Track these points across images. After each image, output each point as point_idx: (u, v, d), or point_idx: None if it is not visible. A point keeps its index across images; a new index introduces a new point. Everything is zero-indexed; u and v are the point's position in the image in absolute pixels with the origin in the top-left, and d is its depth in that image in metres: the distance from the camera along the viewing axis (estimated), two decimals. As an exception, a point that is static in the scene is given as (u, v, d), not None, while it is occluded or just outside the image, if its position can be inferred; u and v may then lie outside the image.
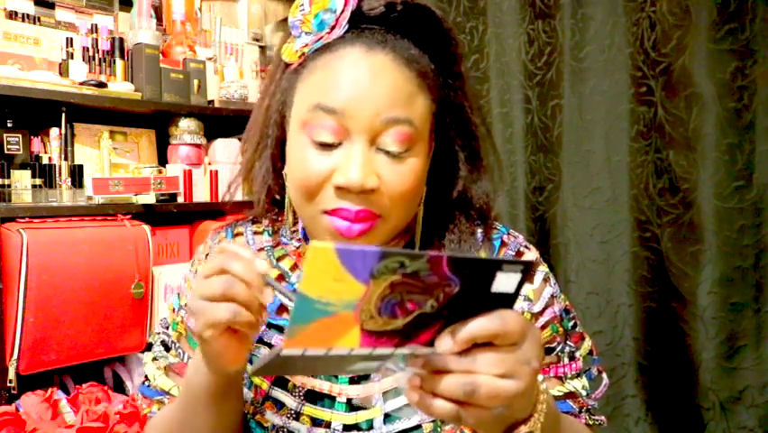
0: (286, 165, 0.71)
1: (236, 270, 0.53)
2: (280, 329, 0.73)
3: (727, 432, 1.37)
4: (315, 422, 0.69)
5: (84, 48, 1.77)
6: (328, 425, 0.69)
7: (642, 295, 1.48)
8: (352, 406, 0.69)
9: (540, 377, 0.55)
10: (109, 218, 1.65)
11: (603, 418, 0.77)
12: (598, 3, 1.49)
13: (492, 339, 0.47)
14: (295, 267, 0.76)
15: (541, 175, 1.63)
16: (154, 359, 0.79)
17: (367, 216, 0.64)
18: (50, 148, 1.70)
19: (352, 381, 0.70)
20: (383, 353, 0.46)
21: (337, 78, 0.64)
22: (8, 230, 1.46)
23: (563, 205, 1.59)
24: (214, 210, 1.93)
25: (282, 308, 0.74)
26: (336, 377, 0.70)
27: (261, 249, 0.78)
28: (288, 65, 0.70)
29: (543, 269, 0.77)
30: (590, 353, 0.80)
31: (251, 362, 0.69)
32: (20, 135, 1.62)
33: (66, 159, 1.70)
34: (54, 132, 1.70)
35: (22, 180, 1.59)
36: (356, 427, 0.68)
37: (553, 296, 0.76)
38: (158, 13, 2.01)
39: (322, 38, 0.66)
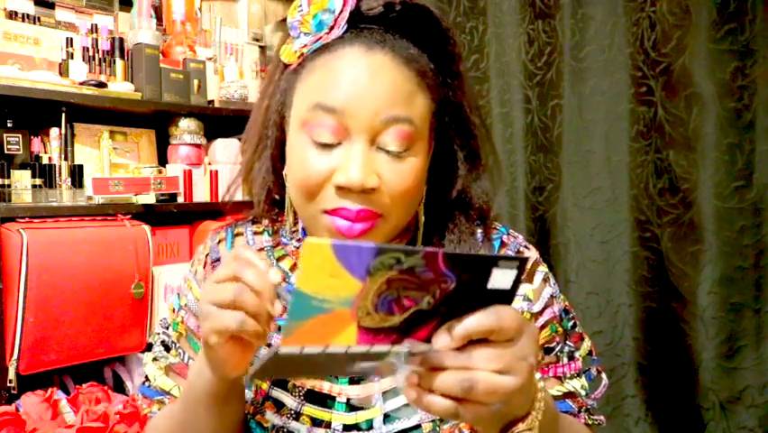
0: (286, 166, 0.71)
1: (248, 279, 0.53)
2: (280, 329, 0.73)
3: (727, 432, 1.37)
4: (315, 422, 0.69)
5: (84, 48, 1.77)
6: (328, 425, 0.69)
7: (642, 295, 1.48)
8: (351, 406, 0.69)
9: (538, 375, 0.55)
10: (109, 218, 1.65)
11: (602, 417, 0.77)
12: (598, 3, 1.49)
13: (489, 335, 0.47)
14: (294, 267, 0.76)
15: (541, 175, 1.63)
16: (154, 359, 0.79)
17: (367, 215, 0.64)
18: (50, 148, 1.70)
19: (352, 381, 0.70)
20: (380, 350, 0.46)
21: (337, 78, 0.64)
22: (8, 230, 1.46)
23: (563, 205, 1.59)
24: (214, 210, 1.93)
25: (283, 309, 0.74)
26: (336, 377, 0.70)
27: (261, 249, 0.78)
28: (286, 66, 0.70)
29: (542, 269, 0.77)
30: (590, 353, 0.80)
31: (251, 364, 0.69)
32: (20, 135, 1.62)
33: (66, 159, 1.70)
34: (54, 132, 1.70)
35: (22, 180, 1.59)
36: (356, 427, 0.68)
37: (552, 296, 0.76)
38: (158, 13, 2.01)
39: (321, 38, 0.66)
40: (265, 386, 0.71)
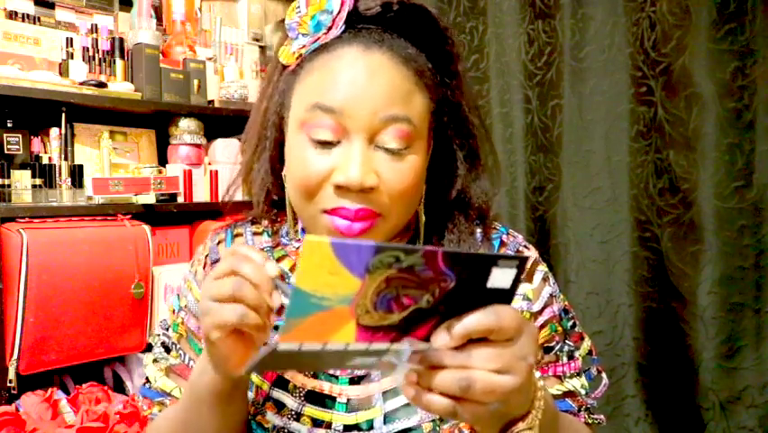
0: (285, 166, 0.71)
1: (246, 272, 0.53)
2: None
3: (727, 432, 1.37)
4: (316, 423, 0.69)
5: (84, 48, 1.77)
6: (329, 425, 0.69)
7: (642, 295, 1.48)
8: (352, 406, 0.69)
9: (538, 374, 0.55)
10: (109, 218, 1.65)
11: (602, 416, 0.77)
12: (598, 3, 1.49)
13: (488, 334, 0.47)
14: (294, 268, 0.76)
15: (541, 175, 1.63)
16: (155, 361, 0.79)
17: (367, 214, 0.64)
18: (50, 148, 1.70)
19: (353, 381, 0.70)
20: (379, 348, 0.46)
21: (335, 78, 0.64)
22: (8, 230, 1.46)
23: (563, 205, 1.59)
24: (214, 210, 1.93)
25: (282, 309, 0.74)
26: (336, 378, 0.70)
27: (261, 250, 0.78)
28: (285, 67, 0.70)
29: (542, 268, 0.77)
30: (590, 353, 0.80)
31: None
32: (20, 135, 1.62)
33: (66, 159, 1.70)
34: (54, 132, 1.70)
35: (22, 180, 1.59)
36: (356, 427, 0.69)
37: (552, 295, 0.76)
38: (158, 13, 2.01)
39: (319, 39, 0.66)
40: (265, 387, 0.71)
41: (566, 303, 0.79)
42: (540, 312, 0.74)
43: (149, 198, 1.73)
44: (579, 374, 0.76)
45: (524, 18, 1.60)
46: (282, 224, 0.79)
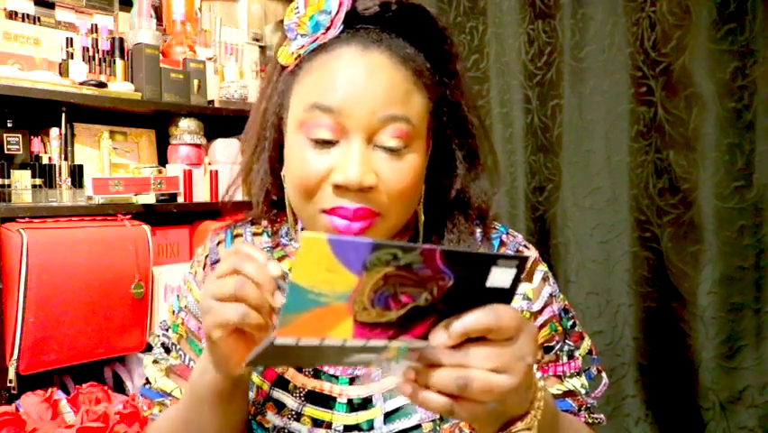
0: (284, 167, 0.71)
1: (248, 271, 0.53)
2: None
3: (727, 432, 1.37)
4: (316, 423, 0.69)
5: (84, 48, 1.77)
6: (329, 425, 0.69)
7: (642, 295, 1.48)
8: (352, 406, 0.69)
9: (538, 374, 0.55)
10: (109, 218, 1.65)
11: (602, 416, 0.77)
12: (598, 3, 1.49)
13: (486, 333, 0.47)
14: (294, 267, 0.76)
15: (541, 175, 1.63)
16: (155, 362, 0.79)
17: (365, 214, 0.64)
18: (50, 148, 1.70)
19: (353, 381, 0.70)
20: (377, 345, 0.46)
21: (333, 78, 0.64)
22: (8, 230, 1.46)
23: (563, 205, 1.59)
24: (214, 210, 1.93)
25: None
26: (337, 378, 0.70)
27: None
28: (284, 68, 0.70)
29: (542, 268, 0.77)
30: (590, 352, 0.80)
31: None
32: (20, 135, 1.62)
33: (66, 159, 1.70)
34: (54, 132, 1.70)
35: (22, 180, 1.59)
36: (357, 427, 0.69)
37: (551, 295, 0.76)
38: (158, 13, 2.01)
39: (317, 39, 0.66)
40: (266, 387, 0.71)
41: (566, 303, 0.79)
42: (540, 312, 0.74)
43: (149, 198, 1.73)
44: (579, 374, 0.76)
45: (524, 18, 1.60)
46: (282, 224, 0.79)
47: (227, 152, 1.99)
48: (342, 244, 0.40)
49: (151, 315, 1.69)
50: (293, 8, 0.68)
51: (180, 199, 1.85)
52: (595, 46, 1.50)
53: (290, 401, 0.70)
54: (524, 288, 0.74)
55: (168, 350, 0.78)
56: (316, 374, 0.71)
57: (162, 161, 1.98)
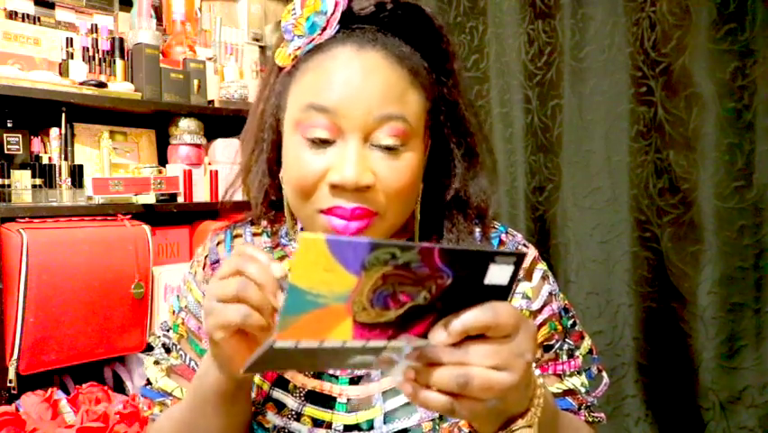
0: (282, 168, 0.71)
1: (251, 272, 0.53)
2: None
3: (727, 432, 1.37)
4: (316, 423, 0.69)
5: (84, 48, 1.77)
6: (329, 425, 0.69)
7: (642, 295, 1.48)
8: (352, 406, 0.69)
9: (537, 372, 0.55)
10: (109, 218, 1.65)
11: (602, 415, 0.77)
12: (598, 3, 1.49)
13: (485, 331, 0.47)
14: (294, 267, 0.76)
15: (541, 175, 1.63)
16: (155, 362, 0.79)
17: (363, 213, 0.64)
18: (50, 148, 1.70)
19: (353, 381, 0.70)
20: (377, 345, 0.46)
21: (329, 78, 0.64)
22: (8, 230, 1.46)
23: (563, 205, 1.59)
24: (214, 210, 1.93)
25: None
26: (337, 378, 0.70)
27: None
28: (281, 69, 0.71)
29: (541, 267, 0.77)
30: (590, 352, 0.80)
31: None
32: (20, 135, 1.62)
33: (66, 159, 1.70)
34: (54, 132, 1.70)
35: (22, 180, 1.59)
36: (357, 427, 0.69)
37: (551, 294, 0.76)
38: (158, 13, 2.01)
39: (314, 40, 0.66)
40: (266, 387, 0.71)
41: (566, 302, 0.79)
42: (539, 310, 0.74)
43: (149, 198, 1.73)
44: (579, 373, 0.76)
45: (524, 18, 1.60)
46: (281, 224, 0.79)
47: (227, 152, 1.99)
48: (340, 245, 0.40)
49: (151, 315, 1.69)
50: (290, 9, 0.68)
51: (180, 199, 1.85)
52: (595, 46, 1.50)
53: (290, 401, 0.70)
54: (523, 286, 0.74)
55: (168, 350, 0.79)
56: (316, 374, 0.71)
57: (162, 161, 1.98)
